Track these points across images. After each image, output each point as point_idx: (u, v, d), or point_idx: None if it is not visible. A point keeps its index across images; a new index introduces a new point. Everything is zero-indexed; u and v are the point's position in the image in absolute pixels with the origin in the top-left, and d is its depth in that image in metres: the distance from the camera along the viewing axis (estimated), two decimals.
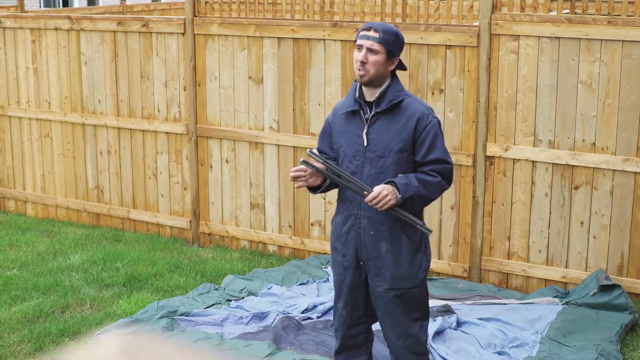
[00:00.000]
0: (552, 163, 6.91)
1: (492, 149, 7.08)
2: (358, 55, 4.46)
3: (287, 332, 6.02)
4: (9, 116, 9.39)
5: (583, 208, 6.89)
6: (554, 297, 6.79)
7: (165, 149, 8.51)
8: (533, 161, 6.97)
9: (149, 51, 8.39)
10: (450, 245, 7.39)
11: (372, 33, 4.45)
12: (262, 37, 7.81)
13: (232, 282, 7.01)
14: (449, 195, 7.30)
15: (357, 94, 4.59)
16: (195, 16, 8.11)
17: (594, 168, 6.80)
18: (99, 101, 8.78)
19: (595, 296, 6.55)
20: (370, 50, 4.44)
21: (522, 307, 6.55)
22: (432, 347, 5.77)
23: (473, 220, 7.26)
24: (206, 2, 8.23)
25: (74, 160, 9.08)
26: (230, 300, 6.70)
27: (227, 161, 8.22)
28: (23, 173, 9.47)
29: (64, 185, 9.21)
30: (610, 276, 6.85)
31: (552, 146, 6.89)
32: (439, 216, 7.38)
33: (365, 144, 4.53)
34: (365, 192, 4.43)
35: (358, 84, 4.59)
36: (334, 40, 7.50)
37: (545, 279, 7.09)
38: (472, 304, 6.62)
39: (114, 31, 8.54)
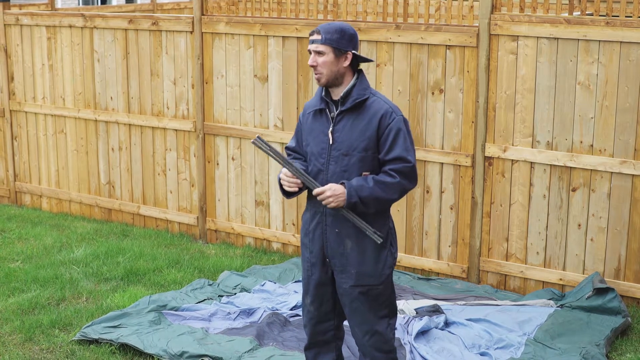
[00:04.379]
0: (550, 164, 6.87)
1: (491, 150, 7.05)
2: (309, 61, 4.55)
3: (271, 328, 6.07)
4: (26, 112, 9.57)
5: (580, 210, 6.84)
6: (550, 299, 6.75)
7: (174, 145, 8.61)
8: (531, 162, 6.94)
9: (158, 49, 8.50)
10: (449, 246, 7.38)
11: (315, 36, 4.52)
12: (267, 35, 7.87)
13: (227, 278, 7.08)
14: (448, 195, 7.29)
15: (323, 93, 4.64)
16: (203, 15, 8.19)
17: (591, 170, 6.74)
18: (111, 98, 8.91)
19: (589, 299, 6.50)
20: (317, 52, 4.51)
21: (514, 308, 6.52)
22: (414, 347, 5.78)
23: (472, 220, 7.24)
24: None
25: (87, 155, 9.22)
26: (222, 296, 6.77)
27: (233, 159, 8.29)
28: (38, 168, 9.64)
29: (77, 181, 9.36)
30: (607, 279, 6.79)
31: (550, 147, 6.85)
32: (439, 216, 7.37)
33: (330, 142, 4.57)
34: (313, 185, 4.49)
35: None
36: None
37: (543, 281, 7.05)
38: (464, 304, 6.61)
39: (126, 29, 8.65)
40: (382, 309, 4.68)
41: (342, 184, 4.48)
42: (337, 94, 4.58)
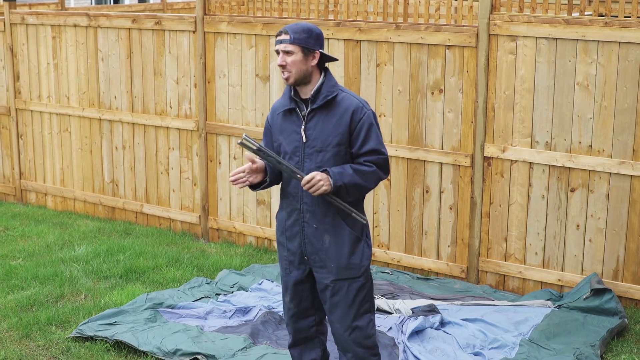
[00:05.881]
0: (549, 165, 6.86)
1: (490, 150, 7.05)
2: (278, 60, 4.62)
3: (265, 326, 6.10)
4: (31, 110, 9.64)
5: (579, 211, 6.82)
6: (547, 299, 6.74)
7: (176, 144, 8.65)
8: (530, 162, 6.93)
9: (161, 48, 8.54)
10: (448, 246, 7.38)
11: (283, 36, 4.60)
12: (268, 35, 7.89)
13: (226, 277, 7.12)
14: (447, 195, 7.29)
15: (292, 92, 4.71)
16: (205, 14, 8.23)
17: (590, 171, 6.73)
18: (115, 97, 8.96)
19: (587, 300, 6.49)
20: (285, 52, 4.58)
21: (510, 309, 6.51)
22: (407, 346, 5.79)
23: (471, 220, 7.24)
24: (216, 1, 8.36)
25: (91, 154, 9.28)
26: (220, 295, 6.80)
27: (234, 158, 8.32)
28: (44, 166, 9.70)
29: (81, 179, 9.42)
30: (605, 280, 6.78)
31: (549, 148, 6.84)
32: (438, 216, 7.37)
33: (304, 140, 4.64)
34: (299, 176, 4.55)
35: None
36: (337, 39, 7.54)
37: (542, 282, 7.04)
38: (461, 304, 6.61)
39: (129, 28, 8.70)
40: (364, 303, 4.73)
41: (323, 170, 4.54)
42: (306, 92, 4.66)
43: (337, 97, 4.64)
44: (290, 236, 4.75)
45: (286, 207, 4.76)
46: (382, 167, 4.66)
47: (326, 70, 4.69)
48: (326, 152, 4.60)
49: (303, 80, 4.61)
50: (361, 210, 4.76)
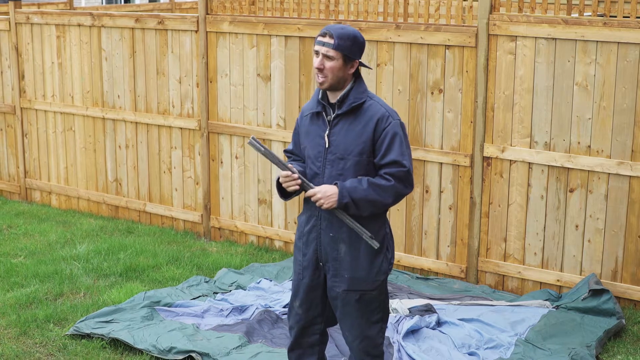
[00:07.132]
0: (548, 165, 6.85)
1: (489, 150, 7.05)
2: (315, 62, 4.45)
3: (261, 325, 6.11)
4: (36, 109, 9.69)
5: (578, 211, 6.81)
6: (546, 300, 6.73)
7: (179, 144, 8.68)
8: (529, 163, 6.92)
9: (164, 48, 8.57)
10: (448, 246, 7.38)
11: (327, 39, 4.41)
12: (270, 35, 7.91)
13: (224, 276, 7.14)
14: (447, 195, 7.29)
15: (320, 96, 4.58)
16: (207, 14, 8.25)
17: (589, 171, 6.72)
18: (118, 96, 9.00)
19: (585, 300, 6.48)
20: (326, 56, 4.41)
21: (508, 309, 6.51)
22: (402, 345, 5.79)
23: (470, 221, 7.24)
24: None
25: (95, 153, 9.32)
26: (217, 293, 6.82)
27: (236, 157, 8.34)
28: (48, 165, 9.75)
29: (85, 178, 9.46)
30: (604, 281, 6.77)
31: (548, 148, 6.83)
32: (438, 216, 7.37)
33: (326, 146, 4.52)
34: (306, 186, 4.47)
35: None
36: None
37: (540, 282, 7.03)
38: (458, 304, 6.61)
39: (132, 28, 8.74)
40: (375, 314, 4.65)
41: (335, 184, 4.43)
42: (335, 97, 4.52)
43: (364, 104, 4.48)
44: (306, 242, 4.65)
45: (306, 212, 4.67)
46: (403, 180, 4.45)
47: (358, 76, 4.54)
48: (347, 160, 4.47)
49: (337, 86, 4.47)
50: (381, 223, 4.59)
